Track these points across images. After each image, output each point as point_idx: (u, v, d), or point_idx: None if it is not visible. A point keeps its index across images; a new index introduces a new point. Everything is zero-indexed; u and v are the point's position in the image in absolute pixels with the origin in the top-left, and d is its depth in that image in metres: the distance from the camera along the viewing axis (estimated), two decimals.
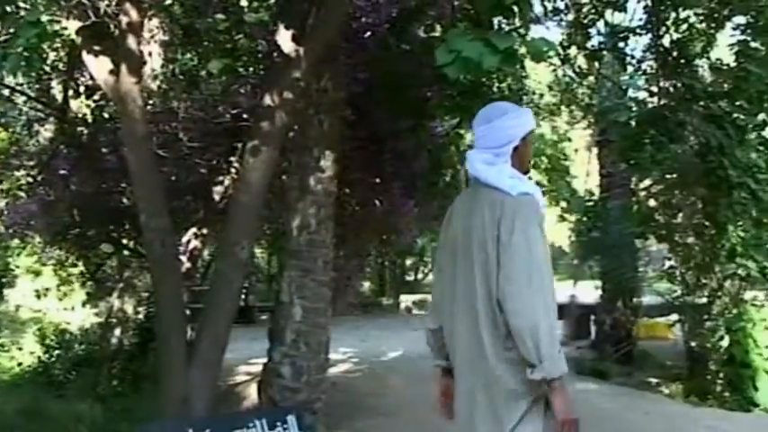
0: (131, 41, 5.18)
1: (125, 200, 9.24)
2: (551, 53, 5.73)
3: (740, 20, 9.58)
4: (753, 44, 9.42)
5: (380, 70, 7.82)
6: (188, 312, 6.82)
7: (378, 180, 9.35)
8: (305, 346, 6.21)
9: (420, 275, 30.71)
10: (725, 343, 9.61)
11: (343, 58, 6.96)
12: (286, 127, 5.67)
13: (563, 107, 17.75)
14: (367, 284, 26.15)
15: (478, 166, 2.97)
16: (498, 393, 2.79)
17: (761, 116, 9.52)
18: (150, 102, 8.45)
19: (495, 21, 4.78)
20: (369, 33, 8.10)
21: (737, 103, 9.31)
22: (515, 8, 4.07)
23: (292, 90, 5.40)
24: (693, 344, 10.36)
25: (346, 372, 11.26)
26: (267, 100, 5.39)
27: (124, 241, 10.47)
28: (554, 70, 15.92)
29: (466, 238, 2.91)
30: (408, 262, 29.06)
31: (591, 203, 14.61)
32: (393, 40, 8.01)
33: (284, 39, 5.48)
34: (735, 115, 9.22)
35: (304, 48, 5.38)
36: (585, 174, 23.31)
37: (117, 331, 10.54)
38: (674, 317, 11.69)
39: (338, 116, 6.68)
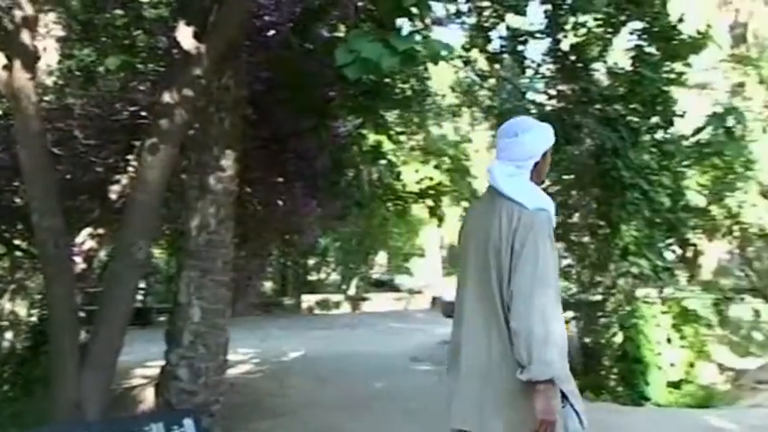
0: (26, 36, 5.01)
1: (17, 199, 8.92)
2: (453, 55, 5.82)
3: (636, 25, 9.91)
4: (648, 49, 9.77)
5: (283, 69, 7.78)
6: (83, 314, 6.65)
7: (280, 179, 9.30)
8: (203, 347, 6.12)
9: (323, 275, 30.64)
10: (618, 339, 9.89)
11: (245, 56, 6.89)
12: (186, 125, 5.58)
13: (465, 108, 17.97)
14: (269, 284, 25.96)
15: (499, 177, 3.16)
16: (515, 386, 2.94)
17: (654, 119, 9.87)
18: (45, 98, 8.18)
19: (400, 22, 4.80)
20: (272, 32, 8.05)
21: (632, 107, 9.66)
22: (415, 10, 4.11)
23: (192, 87, 5.33)
24: (588, 340, 10.64)
25: (246, 373, 11.14)
26: (166, 97, 5.29)
27: (16, 242, 10.10)
28: (456, 72, 16.12)
29: (482, 244, 3.11)
30: (311, 262, 28.93)
31: None
32: (296, 40, 7.98)
33: (184, 35, 5.39)
34: (629, 118, 9.56)
35: (205, 45, 5.31)
36: (486, 174, 23.74)
37: (8, 334, 10.17)
38: (570, 314, 11.97)
39: (240, 114, 6.60)
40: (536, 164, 3.21)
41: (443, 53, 3.90)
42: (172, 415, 5.55)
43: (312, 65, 7.78)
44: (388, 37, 3.70)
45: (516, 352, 2.90)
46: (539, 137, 3.24)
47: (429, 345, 15.31)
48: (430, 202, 18.52)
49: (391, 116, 13.45)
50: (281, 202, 9.59)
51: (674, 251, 11.55)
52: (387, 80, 8.89)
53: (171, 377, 6.12)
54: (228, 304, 6.48)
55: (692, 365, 10.00)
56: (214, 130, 6.29)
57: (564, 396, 3.00)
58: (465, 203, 22.48)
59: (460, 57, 11.58)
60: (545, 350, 2.85)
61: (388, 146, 15.69)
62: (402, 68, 4.26)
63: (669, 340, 9.85)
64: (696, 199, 10.87)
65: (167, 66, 7.60)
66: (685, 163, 10.71)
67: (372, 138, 12.42)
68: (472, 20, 10.98)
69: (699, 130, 11.18)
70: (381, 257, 34.59)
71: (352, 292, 29.04)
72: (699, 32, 10.09)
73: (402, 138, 16.71)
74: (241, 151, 6.55)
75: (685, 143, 10.88)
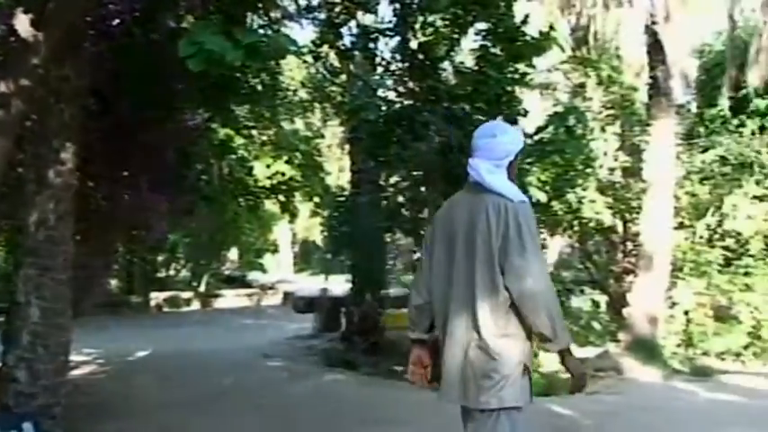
0: None
1: None
2: (299, 50, 5.82)
3: (482, 26, 10.19)
4: (493, 50, 10.05)
5: (128, 59, 7.56)
6: None
7: (124, 173, 9.02)
8: (42, 348, 5.90)
9: (172, 272, 29.95)
10: None
11: (87, 45, 6.66)
12: (22, 116, 5.35)
13: (316, 104, 17.99)
14: (115, 282, 25.13)
15: (483, 173, 3.47)
16: (490, 361, 3.31)
17: (499, 118, 10.17)
18: None
19: (250, 16, 4.76)
20: (117, 21, 7.80)
21: (477, 105, 9.90)
22: (260, 3, 4.10)
23: (30, 77, 5.11)
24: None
25: (91, 373, 10.78)
26: (2, 87, 5.04)
27: None
28: (307, 67, 16.11)
29: (469, 233, 3.43)
30: (159, 258, 28.20)
31: (342, 199, 14.93)
32: (141, 30, 7.76)
33: (22, 22, 5.16)
34: (475, 116, 9.78)
35: (43, 33, 5.10)
36: (338, 170, 23.81)
37: None
38: None
39: (80, 105, 6.39)
40: (510, 163, 3.56)
41: (289, 48, 3.91)
42: (10, 418, 5.36)
43: (158, 56, 7.59)
44: (232, 29, 3.68)
45: (540, 326, 3.25)
46: (513, 138, 3.63)
47: (280, 340, 15.29)
48: (282, 198, 18.40)
49: (242, 110, 13.31)
50: (126, 197, 9.31)
51: None
52: (237, 74, 8.77)
53: (9, 379, 5.89)
54: (70, 303, 6.27)
55: (535, 355, 10.31)
56: (53, 122, 6.07)
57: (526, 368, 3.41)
58: (317, 199, 22.52)
59: (311, 52, 11.59)
60: (562, 321, 3.30)
61: (238, 140, 15.52)
62: (247, 62, 4.23)
63: None
64: (538, 195, 11.22)
65: (4, 54, 7.23)
66: (528, 160, 11.07)
67: (222, 132, 12.26)
68: (323, 16, 11.00)
69: (541, 129, 11.61)
70: (233, 253, 34.20)
71: (202, 288, 28.55)
72: (542, 34, 10.49)
73: (253, 132, 16.56)
74: (82, 144, 6.34)
75: (528, 141, 11.26)
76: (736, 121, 16.36)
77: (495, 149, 3.54)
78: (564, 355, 3.35)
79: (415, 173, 10.81)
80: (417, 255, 11.79)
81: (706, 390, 10.07)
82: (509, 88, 10.22)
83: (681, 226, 14.14)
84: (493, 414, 3.33)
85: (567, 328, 3.36)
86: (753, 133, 15.56)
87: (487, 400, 3.32)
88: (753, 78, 15.82)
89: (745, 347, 12.80)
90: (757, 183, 14.25)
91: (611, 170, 15.19)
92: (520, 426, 3.37)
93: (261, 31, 4.20)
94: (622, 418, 7.76)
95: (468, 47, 11.03)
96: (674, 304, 12.97)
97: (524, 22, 10.11)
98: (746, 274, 13.41)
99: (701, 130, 16.70)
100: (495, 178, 3.47)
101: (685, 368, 11.83)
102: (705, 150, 14.80)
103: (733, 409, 8.71)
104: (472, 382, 3.35)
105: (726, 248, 13.99)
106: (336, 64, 12.75)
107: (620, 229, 15.29)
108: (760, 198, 14.16)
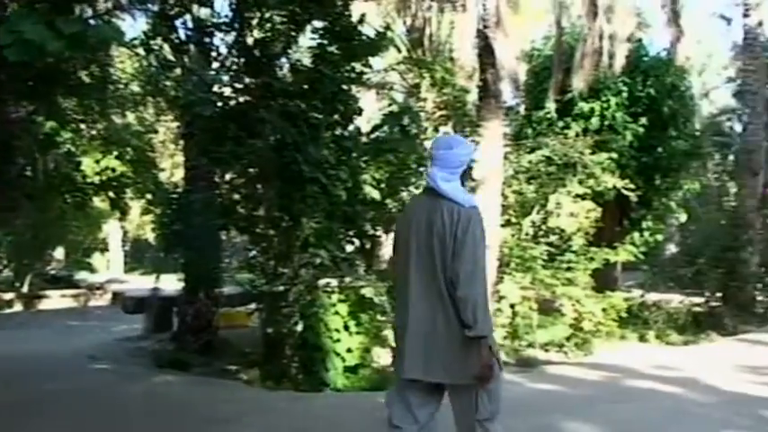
0: None
1: None
2: (125, 41, 5.64)
3: (319, 24, 10.26)
4: (329, 48, 10.15)
5: None
6: None
7: None
8: None
9: None
10: (299, 328, 10.09)
11: None
12: None
13: (149, 98, 17.47)
14: None
15: (439, 182, 4.03)
16: (455, 342, 3.90)
17: (334, 116, 10.27)
18: None
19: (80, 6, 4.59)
20: None
21: (313, 103, 9.96)
22: None
23: None
24: (270, 330, 10.73)
25: None
26: None
27: None
28: (139, 60, 15.65)
29: (427, 233, 4.00)
30: None
31: (175, 196, 14.59)
32: None
33: None
34: (310, 114, 9.85)
35: None
36: (172, 166, 23.26)
37: None
38: (254, 305, 12.03)
39: None
40: (464, 171, 4.13)
41: (115, 38, 3.82)
42: None
43: None
44: (54, 19, 3.54)
45: (463, 315, 3.82)
46: (468, 150, 4.23)
47: (108, 342, 14.79)
48: (112, 194, 17.80)
49: (69, 103, 12.78)
50: None
51: (353, 242, 12.00)
52: (63, 65, 8.42)
53: None
54: None
55: (367, 351, 10.46)
56: None
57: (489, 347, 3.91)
58: (149, 196, 21.92)
59: (143, 44, 11.30)
60: (486, 313, 3.86)
61: (65, 134, 14.89)
62: (69, 52, 4.08)
63: (347, 327, 10.26)
64: (372, 193, 11.37)
65: None
66: (363, 159, 11.22)
67: (48, 125, 11.74)
68: (156, 8, 10.73)
69: (376, 128, 11.80)
70: (59, 252, 32.83)
71: (25, 289, 27.25)
72: (378, 34, 10.67)
73: (81, 126, 15.91)
74: None
75: (363, 140, 11.42)
76: (561, 124, 17.24)
77: (451, 160, 4.09)
78: (482, 343, 3.83)
79: (250, 170, 10.73)
80: (253, 252, 11.71)
81: (530, 380, 10.47)
82: (345, 87, 10.37)
83: (508, 223, 14.65)
84: (471, 388, 3.92)
85: (488, 321, 3.88)
86: (577, 135, 16.36)
87: (465, 376, 3.88)
88: (577, 82, 16.62)
89: (568, 339, 13.42)
90: (580, 182, 14.97)
91: None
92: (495, 396, 4.02)
93: (92, 21, 4.04)
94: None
95: (305, 45, 11.07)
96: (501, 298, 13.37)
97: (361, 21, 10.27)
98: (569, 269, 14.07)
99: (529, 131, 17.46)
100: (449, 186, 4.03)
101: (511, 359, 12.25)
102: (532, 151, 15.38)
103: (555, 398, 9.12)
104: (444, 363, 3.95)
105: (550, 244, 14.60)
106: (171, 57, 12.47)
107: None
108: (582, 196, 14.91)
